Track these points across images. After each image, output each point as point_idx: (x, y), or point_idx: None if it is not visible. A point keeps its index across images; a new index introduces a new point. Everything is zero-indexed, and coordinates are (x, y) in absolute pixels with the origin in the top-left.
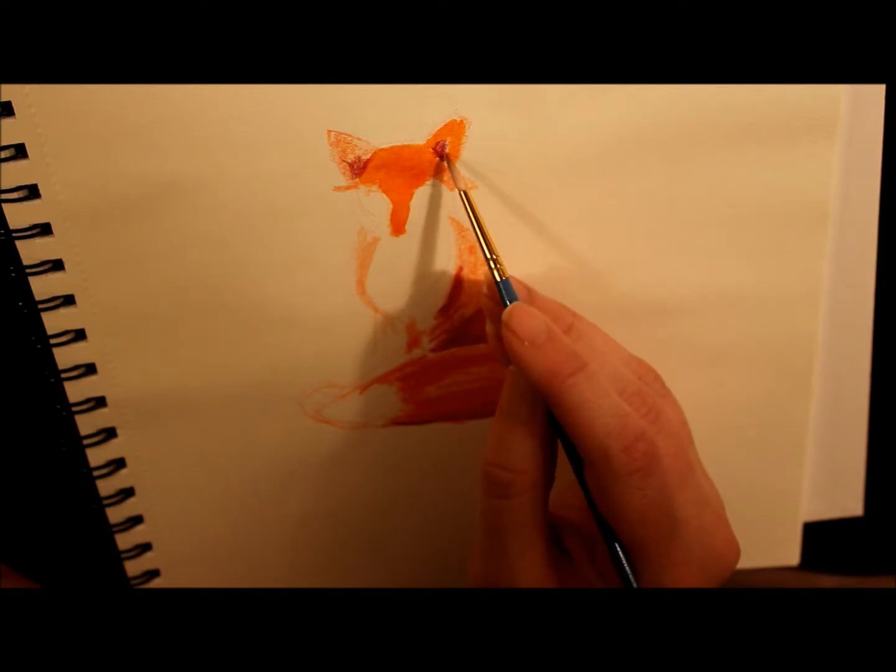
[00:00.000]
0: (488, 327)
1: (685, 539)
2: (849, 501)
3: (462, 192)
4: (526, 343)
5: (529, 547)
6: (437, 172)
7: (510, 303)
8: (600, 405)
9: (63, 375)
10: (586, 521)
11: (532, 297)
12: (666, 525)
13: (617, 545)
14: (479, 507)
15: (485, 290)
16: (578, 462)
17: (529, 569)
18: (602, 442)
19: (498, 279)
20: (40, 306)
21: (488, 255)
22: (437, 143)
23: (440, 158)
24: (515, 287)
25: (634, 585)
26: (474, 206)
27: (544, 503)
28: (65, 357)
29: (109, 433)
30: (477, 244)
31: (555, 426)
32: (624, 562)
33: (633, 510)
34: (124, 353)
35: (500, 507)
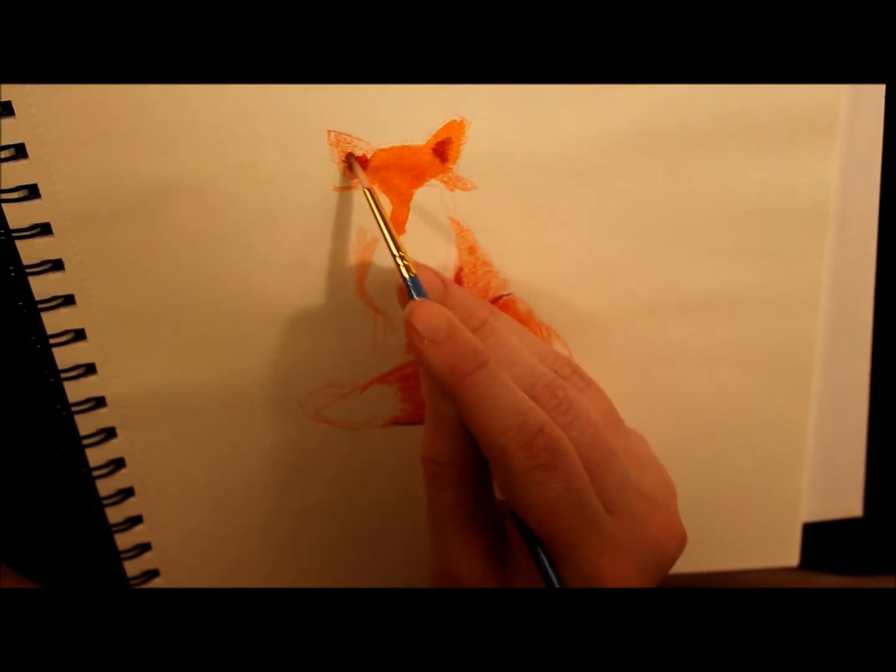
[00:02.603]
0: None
1: (608, 528)
2: (848, 502)
3: (366, 191)
4: (426, 341)
5: (466, 538)
6: (438, 172)
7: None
8: (498, 403)
9: (63, 375)
10: None
11: (447, 292)
12: (577, 516)
13: (535, 542)
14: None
15: (399, 286)
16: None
17: (470, 562)
18: (499, 440)
19: (406, 276)
20: (40, 306)
21: (395, 253)
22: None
23: (348, 158)
24: (430, 282)
25: (553, 577)
26: (379, 206)
27: (478, 496)
28: (64, 357)
29: (109, 433)
30: (457, 244)
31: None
32: (545, 562)
33: (538, 503)
34: (124, 353)
35: (434, 499)
